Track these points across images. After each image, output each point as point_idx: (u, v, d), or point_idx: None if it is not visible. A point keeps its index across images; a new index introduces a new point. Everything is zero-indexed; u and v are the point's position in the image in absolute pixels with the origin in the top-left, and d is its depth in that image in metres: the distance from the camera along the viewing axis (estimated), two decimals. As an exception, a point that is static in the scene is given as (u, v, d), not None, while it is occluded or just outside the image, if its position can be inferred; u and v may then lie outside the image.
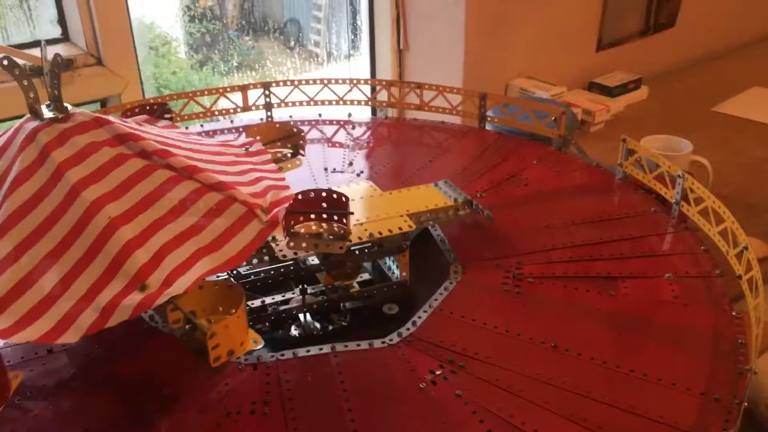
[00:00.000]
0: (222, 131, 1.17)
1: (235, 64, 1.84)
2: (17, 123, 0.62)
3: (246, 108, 1.19)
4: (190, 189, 0.60)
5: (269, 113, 1.18)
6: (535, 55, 1.69)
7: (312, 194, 0.73)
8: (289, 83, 1.18)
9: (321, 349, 0.70)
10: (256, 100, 1.17)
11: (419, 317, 0.74)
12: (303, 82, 1.19)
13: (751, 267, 0.74)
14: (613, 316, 0.75)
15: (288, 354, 0.69)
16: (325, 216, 0.72)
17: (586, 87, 1.78)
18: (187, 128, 1.18)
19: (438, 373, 0.67)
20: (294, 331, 0.81)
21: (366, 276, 0.88)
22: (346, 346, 0.70)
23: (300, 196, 0.71)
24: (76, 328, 0.52)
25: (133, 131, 0.62)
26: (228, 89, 1.17)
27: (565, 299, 0.77)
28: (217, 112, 1.17)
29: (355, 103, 1.19)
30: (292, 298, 0.82)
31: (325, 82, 1.19)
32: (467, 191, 0.97)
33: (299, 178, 0.91)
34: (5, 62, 0.60)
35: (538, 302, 0.77)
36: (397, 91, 1.18)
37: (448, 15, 1.53)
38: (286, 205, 0.64)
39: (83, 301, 0.52)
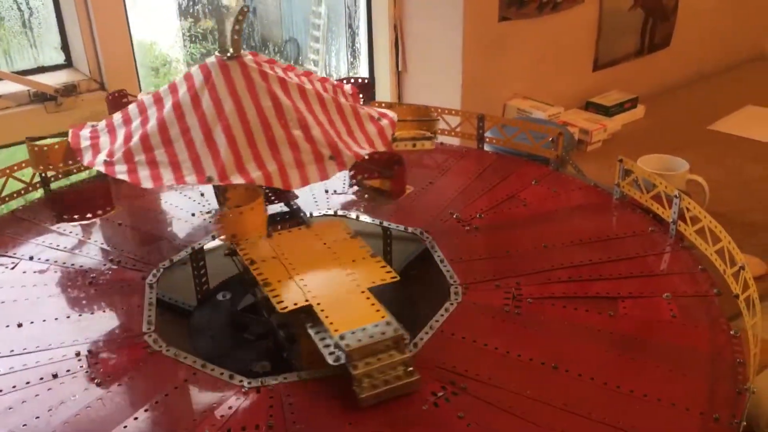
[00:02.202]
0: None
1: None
2: (213, 66, 0.81)
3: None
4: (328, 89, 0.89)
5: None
6: (533, 76, 1.71)
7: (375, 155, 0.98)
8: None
9: (324, 371, 0.70)
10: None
11: (421, 339, 0.75)
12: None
13: (748, 286, 0.75)
14: (613, 336, 0.75)
15: (291, 377, 0.70)
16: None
17: (583, 107, 1.80)
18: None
19: (440, 394, 0.67)
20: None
21: None
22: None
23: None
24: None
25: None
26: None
27: (564, 320, 0.78)
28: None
29: (355, 125, 1.20)
30: None
31: (325, 104, 1.20)
32: (466, 213, 0.99)
33: (300, 199, 0.92)
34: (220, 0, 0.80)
35: (539, 323, 0.78)
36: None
37: (445, 38, 1.55)
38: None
39: (353, 141, 0.84)
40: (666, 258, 0.89)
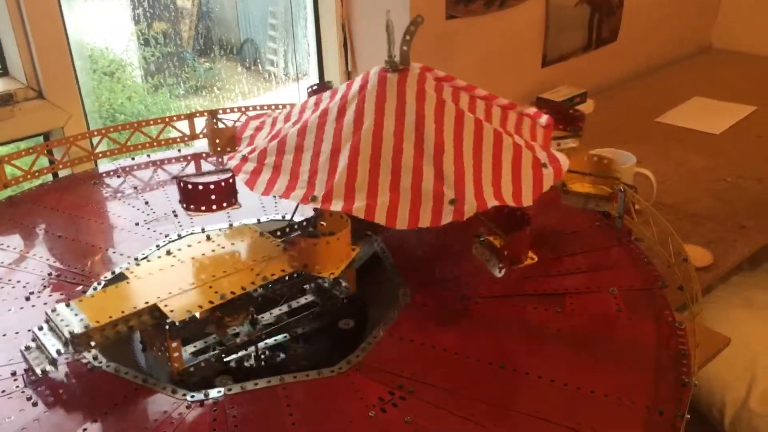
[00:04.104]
0: (170, 161, 1.16)
1: (192, 85, 1.82)
2: (372, 76, 0.79)
3: (193, 137, 1.18)
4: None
5: (218, 140, 1.17)
6: (482, 73, 1.72)
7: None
8: (236, 110, 1.17)
9: (269, 381, 0.69)
10: (203, 129, 1.16)
11: (369, 343, 0.74)
12: (250, 108, 1.18)
13: (691, 278, 0.76)
14: (560, 333, 0.75)
15: (236, 388, 0.68)
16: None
17: (533, 102, 1.81)
18: (133, 159, 1.17)
19: (387, 400, 0.66)
20: (246, 362, 0.80)
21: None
22: (294, 377, 0.69)
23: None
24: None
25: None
26: (174, 118, 1.16)
27: (512, 318, 0.78)
28: (164, 142, 1.16)
29: (303, 127, 1.19)
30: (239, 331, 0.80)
31: (272, 107, 1.18)
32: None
33: (254, 204, 0.91)
34: (389, 20, 0.79)
35: (486, 322, 0.77)
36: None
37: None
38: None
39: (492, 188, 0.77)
40: (612, 252, 0.89)
